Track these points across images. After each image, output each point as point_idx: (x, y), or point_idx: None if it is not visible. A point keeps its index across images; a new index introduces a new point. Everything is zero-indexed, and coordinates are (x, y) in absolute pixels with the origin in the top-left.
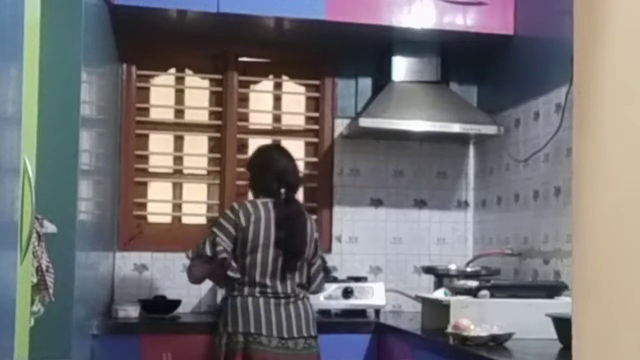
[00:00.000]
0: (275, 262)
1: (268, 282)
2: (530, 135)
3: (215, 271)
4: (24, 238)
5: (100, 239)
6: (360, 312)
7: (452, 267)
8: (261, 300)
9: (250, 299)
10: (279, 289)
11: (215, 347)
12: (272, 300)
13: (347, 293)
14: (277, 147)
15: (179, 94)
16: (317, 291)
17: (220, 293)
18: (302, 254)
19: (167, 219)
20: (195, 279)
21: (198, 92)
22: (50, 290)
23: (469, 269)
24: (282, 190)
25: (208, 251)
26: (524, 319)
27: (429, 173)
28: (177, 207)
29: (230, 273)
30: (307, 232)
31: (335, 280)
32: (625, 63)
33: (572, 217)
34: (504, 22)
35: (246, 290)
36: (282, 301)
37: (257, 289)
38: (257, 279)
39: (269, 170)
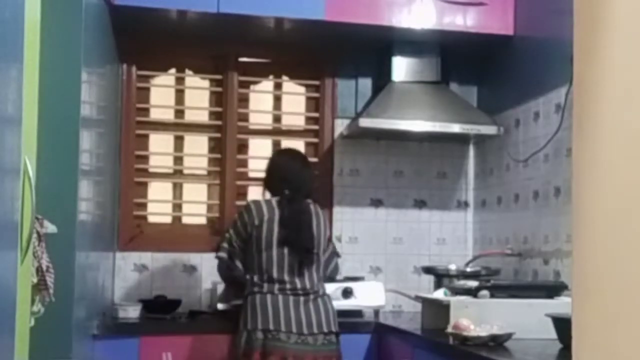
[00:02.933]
0: (289, 258)
1: (286, 278)
2: (530, 135)
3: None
4: (24, 238)
5: (101, 239)
6: (360, 313)
7: (452, 267)
8: (280, 297)
9: (269, 296)
10: (298, 285)
11: (235, 346)
12: (291, 297)
13: (347, 293)
14: (287, 152)
15: (179, 94)
16: (333, 276)
17: (220, 295)
18: (312, 248)
19: (167, 219)
20: (222, 278)
21: (198, 92)
22: (51, 291)
23: (469, 269)
24: (286, 192)
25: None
26: (524, 319)
27: (429, 173)
28: (177, 207)
29: (233, 272)
30: (314, 228)
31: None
32: (625, 63)
33: (572, 217)
34: (503, 22)
35: (265, 287)
36: (302, 298)
37: (276, 286)
38: (275, 275)
39: (275, 173)
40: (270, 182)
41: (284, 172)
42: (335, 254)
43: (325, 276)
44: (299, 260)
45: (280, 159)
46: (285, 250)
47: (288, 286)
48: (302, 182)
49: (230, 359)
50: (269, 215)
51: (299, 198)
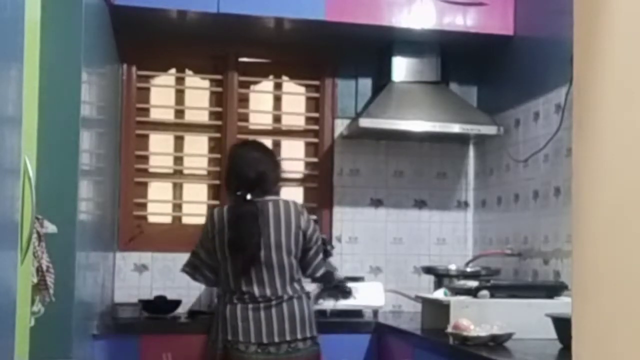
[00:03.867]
0: (241, 265)
1: (243, 287)
2: (530, 135)
3: None
4: (24, 238)
5: (101, 239)
6: (359, 313)
7: (452, 267)
8: (238, 307)
9: (228, 307)
10: (256, 292)
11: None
12: (250, 306)
13: (346, 293)
14: (242, 144)
15: (179, 94)
16: (314, 275)
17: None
18: (255, 255)
19: (168, 219)
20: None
21: (198, 92)
22: (51, 291)
23: (468, 269)
24: (239, 193)
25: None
26: (524, 319)
27: (429, 173)
28: (177, 207)
29: (204, 284)
30: (272, 228)
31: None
32: (625, 63)
33: (572, 217)
34: (503, 22)
35: (227, 297)
36: (262, 305)
37: (235, 296)
38: (232, 285)
39: (230, 170)
40: (226, 181)
41: (237, 169)
42: (322, 253)
43: (311, 277)
44: (249, 267)
45: (233, 155)
46: (237, 259)
47: (246, 295)
48: (256, 179)
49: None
50: (220, 224)
51: (254, 196)
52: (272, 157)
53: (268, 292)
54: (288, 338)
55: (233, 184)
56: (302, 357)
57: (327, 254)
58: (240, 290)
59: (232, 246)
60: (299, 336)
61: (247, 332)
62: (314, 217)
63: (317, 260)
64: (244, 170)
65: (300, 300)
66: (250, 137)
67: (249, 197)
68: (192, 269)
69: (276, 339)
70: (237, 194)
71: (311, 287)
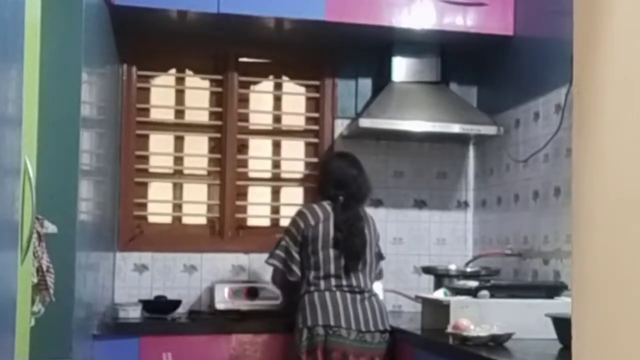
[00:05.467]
0: (342, 259)
1: (342, 276)
2: (530, 135)
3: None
4: (24, 238)
5: (101, 239)
6: None
7: (452, 267)
8: (338, 294)
9: (327, 293)
10: (354, 282)
11: (295, 345)
12: (349, 295)
13: None
14: (341, 156)
15: (179, 95)
16: (379, 278)
17: (219, 295)
18: (363, 254)
19: (168, 219)
20: (276, 285)
21: (198, 92)
22: (51, 291)
23: (468, 269)
24: (341, 198)
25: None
26: (524, 319)
27: (429, 173)
28: (177, 207)
29: (290, 278)
30: (367, 234)
31: None
32: (625, 63)
33: (572, 217)
34: (503, 22)
35: (322, 284)
36: (358, 296)
37: (333, 282)
38: (333, 272)
39: (328, 178)
40: (324, 186)
41: (340, 177)
42: (379, 257)
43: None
44: (350, 263)
45: (337, 164)
46: (342, 253)
47: (344, 283)
48: (356, 188)
49: (289, 359)
50: (324, 216)
51: (353, 204)
52: (364, 174)
53: (362, 284)
54: (381, 328)
55: (332, 189)
56: (387, 349)
57: (381, 256)
58: (340, 277)
59: (340, 242)
60: (388, 327)
61: (348, 319)
62: None
63: (378, 269)
64: (347, 178)
65: (379, 298)
66: (248, 137)
67: (350, 202)
68: (282, 262)
69: (372, 328)
70: (339, 198)
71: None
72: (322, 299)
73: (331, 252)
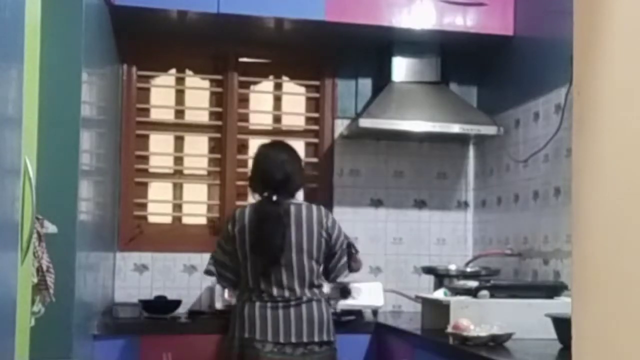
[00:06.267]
0: (261, 265)
1: (263, 286)
2: (530, 135)
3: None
4: (24, 238)
5: (101, 239)
6: (358, 313)
7: (452, 267)
8: (257, 305)
9: (247, 305)
10: (275, 292)
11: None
12: (269, 304)
13: (345, 293)
14: (269, 145)
15: (180, 95)
16: (335, 280)
17: (219, 295)
18: (281, 257)
19: (168, 220)
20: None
21: (198, 92)
22: (51, 291)
23: (468, 269)
24: (265, 194)
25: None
26: (524, 319)
27: (429, 173)
28: (177, 207)
29: (222, 284)
30: (292, 232)
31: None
32: (625, 63)
33: (572, 217)
34: (503, 22)
35: (246, 295)
36: (280, 304)
37: (254, 294)
38: (251, 284)
39: (257, 170)
40: (251, 181)
41: (264, 170)
42: (347, 256)
43: (332, 281)
44: (270, 267)
45: (261, 155)
46: (258, 258)
47: (265, 294)
48: (284, 177)
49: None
50: (240, 223)
51: (279, 199)
52: (298, 159)
53: (287, 293)
54: (305, 340)
55: (259, 185)
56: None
57: (351, 256)
58: (259, 289)
59: (253, 246)
60: (315, 339)
61: (264, 330)
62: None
63: (340, 264)
64: (271, 171)
65: (319, 303)
66: (248, 137)
67: (274, 198)
68: (216, 270)
69: (293, 340)
70: (263, 195)
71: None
72: (241, 310)
73: (249, 260)
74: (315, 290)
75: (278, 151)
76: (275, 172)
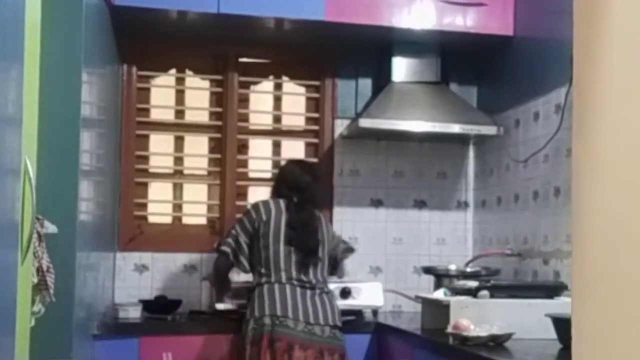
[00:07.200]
0: (294, 256)
1: (293, 271)
2: (530, 135)
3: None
4: (24, 238)
5: (101, 239)
6: (358, 313)
7: (452, 267)
8: (288, 287)
9: (277, 286)
10: (304, 278)
11: (242, 336)
12: (299, 289)
13: (345, 293)
14: (296, 162)
15: (180, 95)
16: (341, 275)
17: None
18: (317, 252)
19: (168, 220)
20: (215, 273)
21: (198, 92)
22: (51, 291)
23: (468, 269)
24: (295, 199)
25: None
26: (524, 319)
27: (429, 173)
28: (177, 207)
29: (237, 268)
30: (319, 234)
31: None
32: (625, 63)
33: (572, 217)
34: (503, 22)
35: (273, 277)
36: (308, 291)
37: (284, 276)
38: (283, 266)
39: (285, 181)
40: (279, 189)
41: (295, 181)
42: (345, 252)
43: (336, 275)
44: (303, 260)
45: (293, 169)
46: (292, 249)
47: (295, 277)
48: (311, 193)
49: (235, 350)
50: (276, 213)
51: (307, 205)
52: (318, 181)
53: (313, 280)
54: (331, 323)
55: (284, 192)
56: (339, 346)
57: (349, 250)
58: (290, 272)
59: (293, 240)
60: (338, 324)
61: (296, 309)
62: None
63: (340, 248)
64: (299, 186)
65: (332, 295)
66: (248, 137)
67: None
68: (232, 251)
69: (321, 322)
70: (293, 199)
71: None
72: (271, 291)
73: (282, 247)
74: (326, 284)
75: (307, 168)
76: (304, 188)
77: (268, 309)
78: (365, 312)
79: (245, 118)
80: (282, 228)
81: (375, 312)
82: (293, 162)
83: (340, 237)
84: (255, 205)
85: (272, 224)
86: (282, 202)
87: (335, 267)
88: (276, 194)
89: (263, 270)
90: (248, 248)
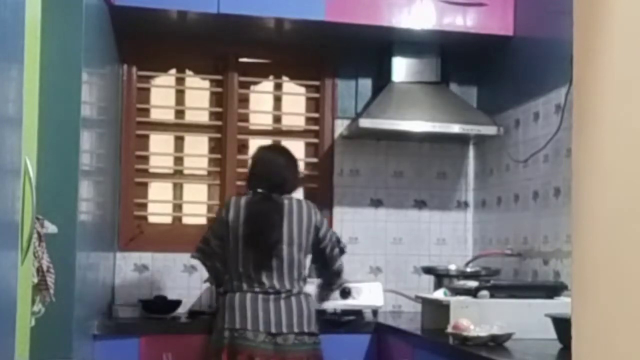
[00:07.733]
0: (254, 257)
1: (254, 277)
2: (530, 135)
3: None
4: (24, 238)
5: (101, 240)
6: (358, 313)
7: (452, 267)
8: (248, 296)
9: (237, 295)
10: (267, 284)
11: (207, 346)
12: (260, 296)
13: (345, 293)
14: (269, 148)
15: (180, 95)
16: (340, 270)
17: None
18: (277, 248)
19: (168, 220)
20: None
21: (198, 92)
22: (51, 291)
23: (468, 269)
24: (259, 190)
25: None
26: (524, 319)
27: (429, 173)
28: (177, 207)
29: (209, 272)
30: (285, 227)
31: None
32: (625, 63)
33: (572, 217)
34: (503, 22)
35: (235, 285)
36: (271, 297)
37: (244, 284)
38: (243, 274)
39: (254, 172)
40: (250, 181)
41: (263, 167)
42: (337, 247)
43: (332, 272)
44: (263, 260)
45: (262, 154)
46: (251, 250)
47: (256, 285)
48: (282, 180)
49: (202, 358)
50: (235, 213)
51: (275, 196)
52: (295, 164)
53: (277, 284)
54: (296, 330)
55: (254, 184)
56: (307, 351)
57: (341, 251)
58: (251, 279)
59: (249, 238)
60: (305, 330)
61: (255, 320)
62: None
63: (334, 254)
64: (268, 174)
65: (307, 297)
66: (248, 137)
67: (270, 195)
68: (204, 256)
69: (284, 330)
70: (257, 190)
71: (311, 287)
72: (232, 300)
73: (241, 249)
74: (301, 284)
75: (276, 155)
76: (272, 175)
77: (227, 322)
78: (365, 312)
79: (245, 118)
80: (240, 227)
81: (375, 312)
82: (262, 148)
83: (334, 235)
84: (226, 202)
85: (232, 225)
86: (243, 200)
87: (326, 265)
88: (247, 186)
89: (227, 277)
90: (221, 250)
